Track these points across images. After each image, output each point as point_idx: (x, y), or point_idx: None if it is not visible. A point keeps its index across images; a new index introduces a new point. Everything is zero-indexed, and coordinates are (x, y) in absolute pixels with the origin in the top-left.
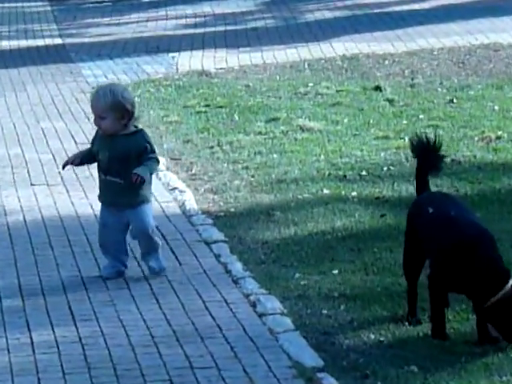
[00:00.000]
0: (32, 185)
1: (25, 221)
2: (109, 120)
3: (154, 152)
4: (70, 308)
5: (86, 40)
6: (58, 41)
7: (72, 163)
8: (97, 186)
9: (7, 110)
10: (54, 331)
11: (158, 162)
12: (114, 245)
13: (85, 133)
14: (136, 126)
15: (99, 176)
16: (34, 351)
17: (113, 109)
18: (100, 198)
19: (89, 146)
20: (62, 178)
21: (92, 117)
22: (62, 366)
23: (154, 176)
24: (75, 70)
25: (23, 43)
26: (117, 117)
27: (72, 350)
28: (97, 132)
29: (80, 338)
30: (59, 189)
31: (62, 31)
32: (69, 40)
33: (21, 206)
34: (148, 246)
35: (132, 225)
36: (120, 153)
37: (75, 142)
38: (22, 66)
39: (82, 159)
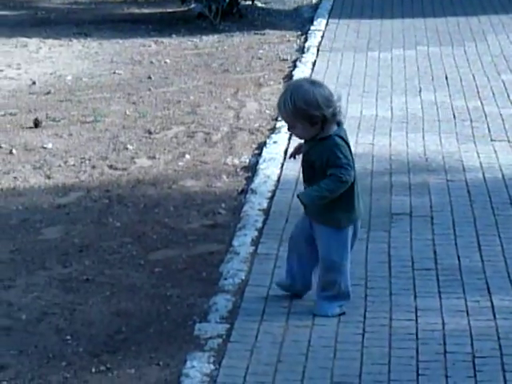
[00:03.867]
0: (492, 140)
1: (484, 178)
2: (298, 129)
3: (340, 166)
4: None
5: None
6: None
7: (298, 153)
8: None
9: (466, 60)
10: None
11: (341, 181)
12: (299, 258)
13: None
14: (339, 124)
15: None
16: (494, 316)
17: (297, 117)
18: None
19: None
20: None
21: None
22: None
23: None
24: None
25: None
26: (305, 124)
27: None
28: None
29: None
30: None
31: None
32: None
33: (480, 163)
34: (323, 279)
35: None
36: (307, 160)
37: None
38: (482, 15)
39: None
